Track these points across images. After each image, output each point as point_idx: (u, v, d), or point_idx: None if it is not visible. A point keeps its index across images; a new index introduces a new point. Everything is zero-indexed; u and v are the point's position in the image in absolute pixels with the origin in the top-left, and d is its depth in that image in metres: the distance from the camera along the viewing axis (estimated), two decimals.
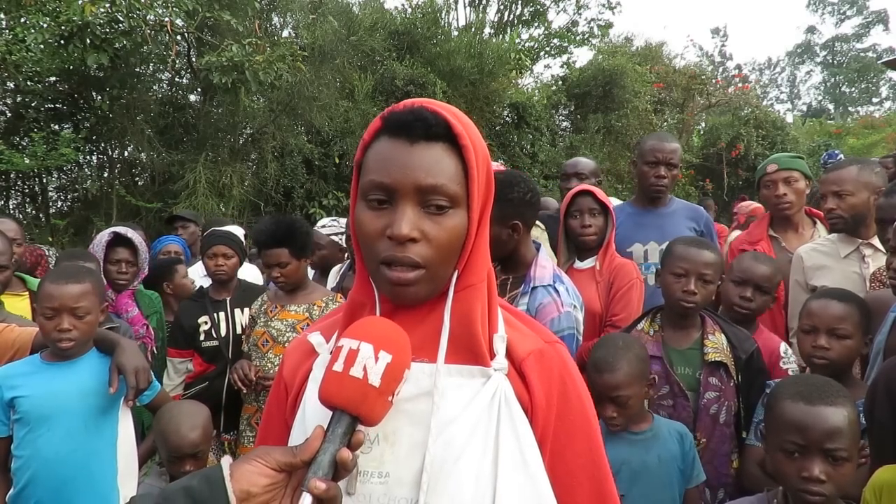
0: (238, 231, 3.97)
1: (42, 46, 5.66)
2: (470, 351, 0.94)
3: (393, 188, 0.88)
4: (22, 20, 5.66)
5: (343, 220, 3.94)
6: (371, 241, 0.90)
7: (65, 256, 2.82)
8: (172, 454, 2.10)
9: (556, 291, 2.14)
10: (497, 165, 3.80)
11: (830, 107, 31.06)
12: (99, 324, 2.62)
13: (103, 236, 3.15)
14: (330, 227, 3.91)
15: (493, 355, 0.95)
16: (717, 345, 2.15)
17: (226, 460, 0.80)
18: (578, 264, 2.75)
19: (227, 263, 3.10)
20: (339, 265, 3.64)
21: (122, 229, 3.20)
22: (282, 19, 8.54)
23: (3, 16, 6.05)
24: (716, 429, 2.10)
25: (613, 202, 3.09)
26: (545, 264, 2.23)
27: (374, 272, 0.92)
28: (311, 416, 0.94)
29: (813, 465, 1.44)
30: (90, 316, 2.06)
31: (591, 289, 2.61)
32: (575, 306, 2.18)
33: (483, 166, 0.94)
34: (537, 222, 3.37)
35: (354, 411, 0.82)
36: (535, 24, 12.60)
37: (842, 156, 6.32)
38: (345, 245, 3.76)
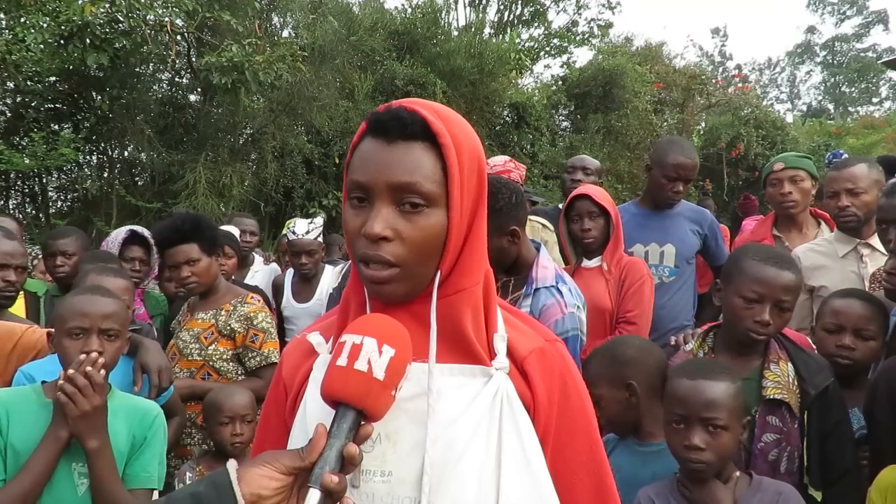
0: (236, 231, 3.97)
1: (42, 46, 5.64)
2: (467, 352, 0.94)
3: (368, 187, 0.89)
4: (22, 20, 5.65)
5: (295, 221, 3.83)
6: (352, 239, 0.92)
7: (88, 258, 2.81)
8: (225, 416, 2.29)
9: (559, 292, 2.13)
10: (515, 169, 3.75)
11: (830, 107, 31.01)
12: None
13: (119, 233, 3.15)
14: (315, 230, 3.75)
15: (493, 355, 0.95)
16: (779, 378, 1.79)
17: (231, 464, 0.80)
18: (586, 263, 2.76)
19: (226, 263, 3.10)
20: (342, 265, 3.62)
21: (138, 228, 3.20)
22: (282, 19, 8.52)
23: (3, 16, 6.03)
24: (775, 479, 1.69)
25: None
26: (546, 265, 2.22)
27: (357, 269, 0.93)
28: (311, 415, 0.94)
29: (693, 434, 1.56)
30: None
31: (600, 286, 2.63)
32: (578, 307, 2.18)
33: (470, 165, 0.93)
34: (546, 223, 3.38)
35: (359, 405, 0.82)
36: (535, 24, 12.56)
37: (846, 155, 6.28)
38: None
